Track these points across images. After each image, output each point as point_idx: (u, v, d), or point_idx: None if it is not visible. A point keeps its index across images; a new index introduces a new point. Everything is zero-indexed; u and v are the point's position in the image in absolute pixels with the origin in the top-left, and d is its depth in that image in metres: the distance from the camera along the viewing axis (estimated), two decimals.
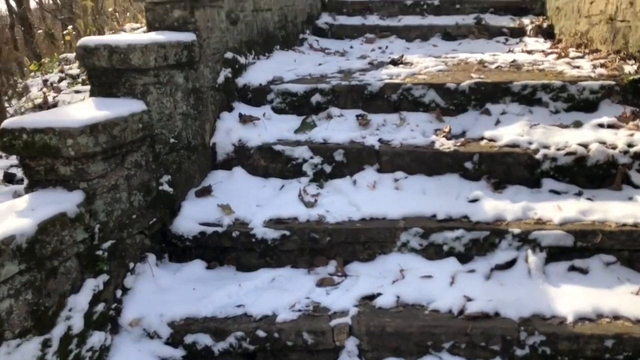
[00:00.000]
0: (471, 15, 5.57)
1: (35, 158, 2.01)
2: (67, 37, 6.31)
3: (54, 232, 1.82)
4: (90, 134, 1.98)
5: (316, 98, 3.24)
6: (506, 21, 5.43)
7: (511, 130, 2.86)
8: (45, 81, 4.86)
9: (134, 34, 2.73)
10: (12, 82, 5.51)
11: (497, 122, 3.00)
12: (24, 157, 2.02)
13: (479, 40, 5.22)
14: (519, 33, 5.17)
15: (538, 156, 2.69)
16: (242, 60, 3.39)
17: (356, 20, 5.69)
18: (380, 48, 5.02)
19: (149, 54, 2.34)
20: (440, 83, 3.17)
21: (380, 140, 2.93)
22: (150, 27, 2.80)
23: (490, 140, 2.86)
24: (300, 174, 2.90)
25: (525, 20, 5.32)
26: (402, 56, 4.04)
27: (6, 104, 5.03)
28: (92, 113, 2.09)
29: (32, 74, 5.56)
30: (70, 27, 6.38)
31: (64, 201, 1.93)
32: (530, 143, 2.76)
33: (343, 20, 5.71)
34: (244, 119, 3.08)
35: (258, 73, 3.43)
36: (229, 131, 2.99)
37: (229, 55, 3.20)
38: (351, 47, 5.16)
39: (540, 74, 3.34)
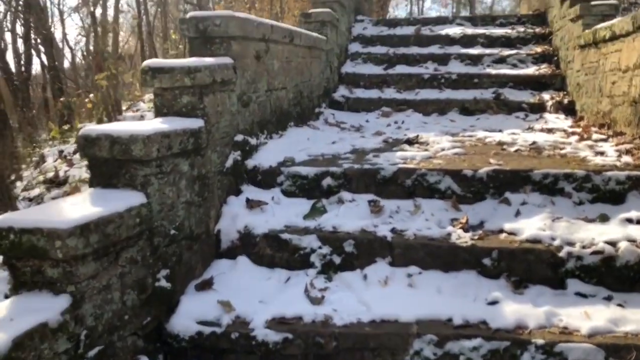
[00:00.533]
0: (490, 90, 5.49)
1: (21, 259, 1.88)
2: (89, 105, 6.39)
3: (31, 347, 1.67)
4: (81, 234, 1.86)
5: (327, 181, 3.11)
6: (526, 96, 5.34)
7: (532, 223, 2.68)
8: (60, 152, 4.85)
9: (137, 123, 2.65)
10: (27, 152, 5.53)
11: (517, 213, 2.82)
12: (11, 258, 1.90)
13: (497, 115, 5.12)
14: (538, 109, 5.06)
15: (562, 254, 2.50)
16: (253, 141, 3.31)
17: (373, 94, 5.65)
18: (396, 123, 4.94)
19: (151, 145, 2.25)
20: (456, 169, 3.03)
21: (393, 230, 2.77)
22: (159, 113, 2.74)
23: (510, 233, 2.67)
24: (307, 265, 2.73)
25: (545, 96, 5.22)
26: (417, 136, 3.93)
27: (22, 172, 5.02)
28: (84, 210, 1.97)
29: (50, 142, 5.58)
30: (91, 95, 6.47)
31: (47, 309, 1.78)
32: (553, 239, 2.57)
33: (360, 93, 5.68)
34: (251, 204, 2.95)
35: (269, 154, 3.34)
36: (234, 217, 2.86)
37: (239, 137, 3.11)
38: (367, 120, 5.09)
39: (562, 161, 3.18)
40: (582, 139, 3.79)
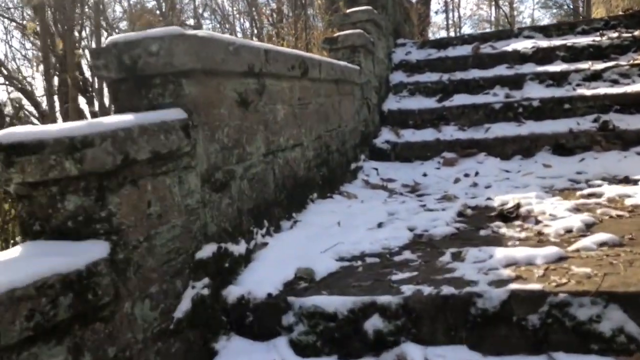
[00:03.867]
0: (588, 117, 3.90)
1: None
2: None
3: None
4: None
5: (374, 324, 1.61)
6: None
7: None
8: None
9: None
10: None
11: None
12: None
13: (609, 152, 3.52)
14: None
15: None
16: (238, 248, 1.86)
17: (427, 135, 4.14)
18: (467, 176, 3.41)
19: None
20: (631, 293, 1.47)
21: None
22: (25, 234, 1.33)
23: None
24: None
25: None
26: (517, 205, 2.38)
27: None
28: None
29: None
30: None
31: None
32: None
33: (409, 135, 4.18)
34: None
35: (269, 266, 1.87)
36: None
37: (206, 251, 1.67)
38: (424, 174, 3.58)
39: None
40: None
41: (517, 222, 2.27)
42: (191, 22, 22.04)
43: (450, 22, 23.92)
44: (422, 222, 2.37)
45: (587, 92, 4.09)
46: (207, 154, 1.73)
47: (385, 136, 4.14)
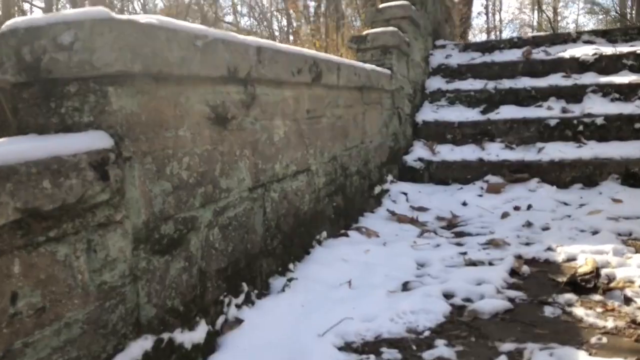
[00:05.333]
0: None
1: None
2: None
3: None
4: None
5: None
6: None
7: None
8: None
9: None
10: None
11: None
12: None
13: None
14: None
15: None
16: (191, 336, 1.25)
17: (468, 152, 3.47)
18: (516, 209, 2.74)
19: None
20: None
21: None
22: None
23: None
24: None
25: None
26: (596, 272, 1.72)
27: None
28: None
29: None
30: None
31: None
32: None
33: (447, 152, 3.51)
34: None
35: None
36: None
37: (131, 354, 1.07)
38: (464, 203, 2.92)
39: None
40: None
41: (597, 297, 1.60)
42: (229, 18, 21.65)
43: (491, 25, 22.84)
44: (462, 284, 1.73)
45: None
46: (147, 199, 1.14)
47: (418, 152, 3.49)
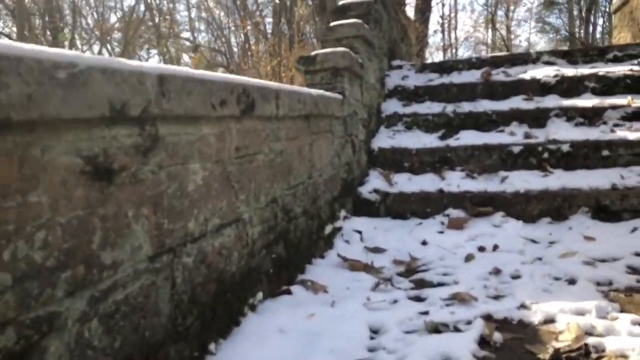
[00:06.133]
0: (635, 169, 2.98)
1: None
2: None
3: None
4: None
5: None
6: None
7: None
8: None
9: None
10: None
11: None
12: None
13: None
14: None
15: None
16: None
17: (427, 183, 3.19)
18: (482, 250, 2.45)
19: None
20: None
21: None
22: None
23: None
24: None
25: None
26: (586, 350, 1.42)
27: None
28: None
29: None
30: None
31: None
32: None
33: (404, 183, 3.22)
34: None
35: None
36: None
37: None
38: (424, 242, 2.62)
39: None
40: None
41: None
42: (186, 34, 21.09)
43: (447, 43, 23.09)
44: None
45: (631, 136, 3.16)
46: None
47: (374, 183, 3.18)
